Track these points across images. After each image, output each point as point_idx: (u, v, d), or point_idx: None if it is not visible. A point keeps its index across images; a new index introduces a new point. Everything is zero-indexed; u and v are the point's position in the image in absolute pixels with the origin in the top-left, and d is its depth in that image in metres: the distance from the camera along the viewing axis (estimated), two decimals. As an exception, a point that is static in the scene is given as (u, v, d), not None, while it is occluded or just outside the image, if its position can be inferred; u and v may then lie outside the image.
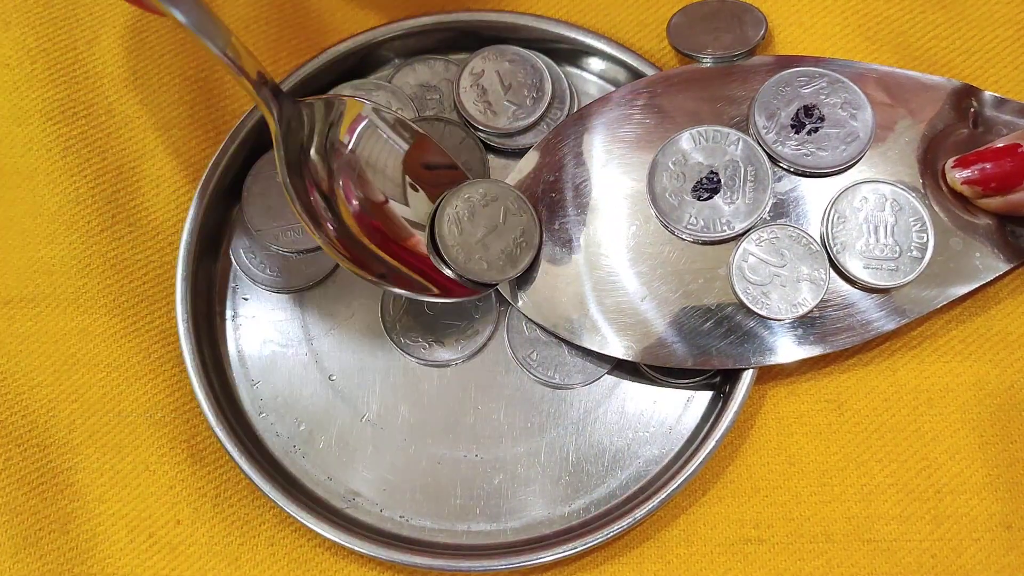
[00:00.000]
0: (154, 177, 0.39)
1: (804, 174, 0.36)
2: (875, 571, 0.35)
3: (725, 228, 0.35)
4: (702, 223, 0.35)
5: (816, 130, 0.36)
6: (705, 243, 0.36)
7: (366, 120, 0.36)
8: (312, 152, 0.35)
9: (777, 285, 0.35)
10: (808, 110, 0.36)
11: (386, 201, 0.36)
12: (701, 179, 0.36)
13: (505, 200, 0.36)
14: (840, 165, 0.36)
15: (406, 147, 0.36)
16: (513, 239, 0.36)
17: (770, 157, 0.36)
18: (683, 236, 0.36)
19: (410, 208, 0.36)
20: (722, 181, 0.36)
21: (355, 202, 0.35)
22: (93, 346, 0.37)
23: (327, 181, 0.35)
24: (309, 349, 0.37)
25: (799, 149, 0.36)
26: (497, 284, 0.36)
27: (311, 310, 0.38)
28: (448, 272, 0.35)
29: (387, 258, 0.35)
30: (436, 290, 0.35)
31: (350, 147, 0.36)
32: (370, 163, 0.36)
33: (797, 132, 0.36)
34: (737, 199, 0.35)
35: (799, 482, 0.36)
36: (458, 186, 0.36)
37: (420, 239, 0.36)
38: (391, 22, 0.39)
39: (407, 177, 0.36)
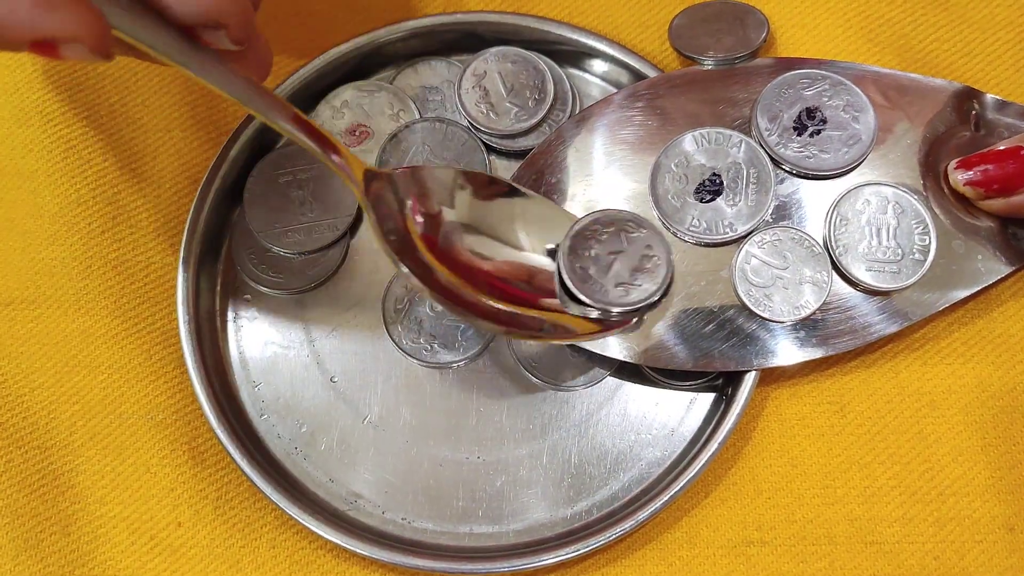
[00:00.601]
0: (155, 178, 0.39)
1: (806, 176, 0.36)
2: (878, 573, 0.35)
3: (727, 230, 0.35)
4: (704, 225, 0.35)
5: (818, 132, 0.36)
6: (707, 245, 0.36)
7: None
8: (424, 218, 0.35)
9: (779, 287, 0.35)
10: (810, 112, 0.36)
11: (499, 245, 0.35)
12: (703, 181, 0.36)
13: (621, 223, 0.35)
14: (842, 167, 0.36)
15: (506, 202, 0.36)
16: (641, 257, 0.35)
17: (772, 159, 0.36)
18: (685, 238, 0.36)
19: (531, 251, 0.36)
20: (724, 183, 0.36)
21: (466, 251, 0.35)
22: (94, 348, 0.37)
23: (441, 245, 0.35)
24: (311, 351, 0.37)
25: (801, 151, 0.36)
26: (638, 305, 0.35)
27: (313, 311, 0.38)
28: (575, 311, 0.35)
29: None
30: (579, 330, 0.35)
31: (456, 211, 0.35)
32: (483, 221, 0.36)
33: (799, 134, 0.36)
34: (739, 201, 0.35)
35: (802, 484, 0.35)
36: (572, 225, 0.35)
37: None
38: (393, 23, 0.39)
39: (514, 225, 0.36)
